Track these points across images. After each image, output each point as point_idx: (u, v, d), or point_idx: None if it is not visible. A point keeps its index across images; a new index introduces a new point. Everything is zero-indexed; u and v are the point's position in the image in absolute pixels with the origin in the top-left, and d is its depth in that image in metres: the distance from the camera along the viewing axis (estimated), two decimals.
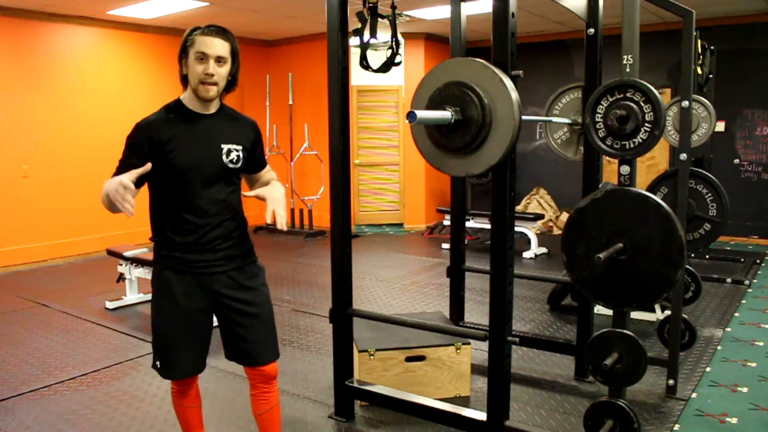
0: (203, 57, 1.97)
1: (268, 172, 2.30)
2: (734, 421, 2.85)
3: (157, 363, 2.14)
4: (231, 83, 2.10)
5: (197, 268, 2.06)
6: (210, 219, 2.05)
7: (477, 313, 4.40)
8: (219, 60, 1.98)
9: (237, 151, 2.09)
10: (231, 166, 2.07)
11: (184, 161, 1.99)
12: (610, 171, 5.53)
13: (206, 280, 2.08)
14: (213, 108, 2.09)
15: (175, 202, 2.04)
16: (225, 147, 2.06)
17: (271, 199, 1.99)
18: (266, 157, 2.33)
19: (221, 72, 2.00)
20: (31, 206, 6.42)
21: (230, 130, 2.11)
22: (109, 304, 4.79)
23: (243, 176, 2.23)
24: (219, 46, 1.98)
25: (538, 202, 8.20)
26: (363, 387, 2.86)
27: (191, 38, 1.99)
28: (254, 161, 2.21)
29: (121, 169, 1.98)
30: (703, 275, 4.35)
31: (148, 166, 1.93)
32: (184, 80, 2.06)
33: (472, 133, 2.10)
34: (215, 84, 2.00)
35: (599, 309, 3.88)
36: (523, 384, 3.31)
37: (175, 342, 2.11)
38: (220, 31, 2.00)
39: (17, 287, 5.51)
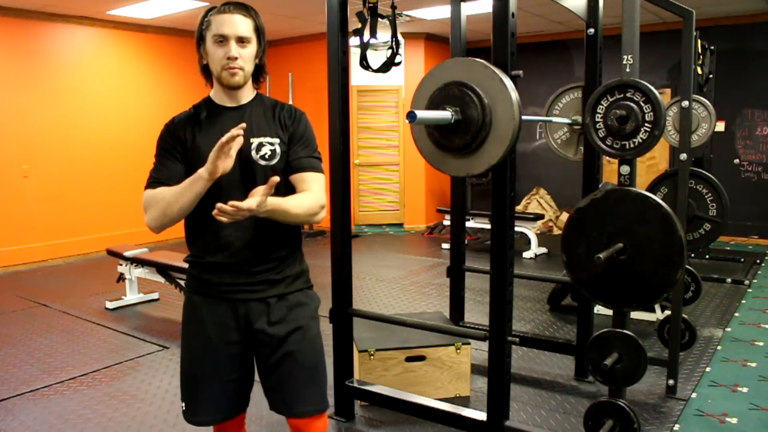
0: (223, 39, 1.67)
1: (310, 182, 1.75)
2: (734, 421, 2.85)
3: (183, 405, 1.81)
4: (259, 69, 1.78)
5: (229, 292, 1.74)
6: (243, 232, 1.69)
7: (477, 313, 4.40)
8: (241, 40, 1.68)
9: (271, 144, 1.72)
10: (263, 162, 1.70)
11: (204, 160, 1.64)
12: (610, 171, 5.53)
13: (240, 308, 1.74)
14: (245, 99, 1.77)
15: (202, 213, 1.66)
16: (255, 141, 1.71)
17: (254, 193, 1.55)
18: (314, 159, 1.79)
19: (245, 54, 1.69)
20: (31, 206, 6.42)
21: (263, 120, 1.75)
22: (109, 304, 4.79)
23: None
24: (240, 24, 1.67)
25: (538, 202, 8.20)
26: (363, 387, 2.86)
27: (207, 20, 1.70)
28: (289, 158, 1.76)
29: (151, 177, 1.71)
30: (703, 275, 4.35)
31: (240, 139, 1.58)
32: (206, 71, 1.76)
33: (472, 133, 2.09)
34: (241, 68, 1.69)
35: (599, 309, 3.88)
36: (523, 384, 3.31)
37: (199, 379, 1.77)
38: (240, 7, 1.70)
39: (17, 287, 5.51)
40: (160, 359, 3.73)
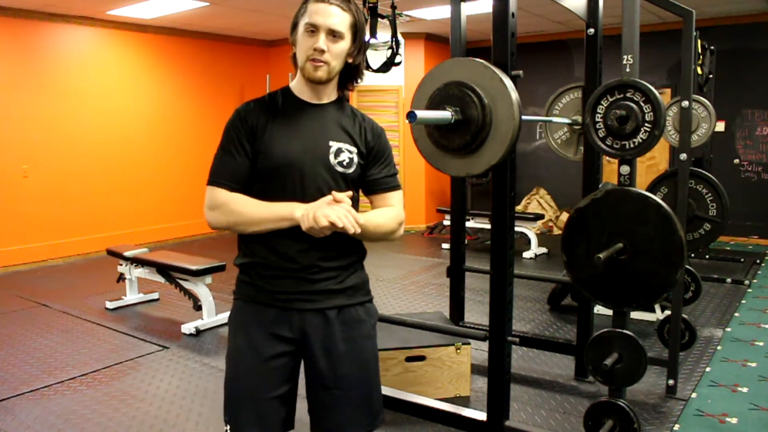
0: (314, 29, 1.56)
1: (392, 199, 1.72)
2: (734, 421, 2.85)
3: (227, 427, 1.65)
4: (351, 71, 1.67)
5: (284, 300, 1.59)
6: (312, 237, 1.54)
7: (477, 313, 4.39)
8: (333, 34, 1.56)
9: (350, 152, 1.62)
10: (340, 169, 1.60)
11: (281, 156, 1.56)
12: (610, 171, 5.52)
13: (295, 318, 1.60)
14: (326, 98, 1.66)
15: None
16: (334, 145, 1.61)
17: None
18: (395, 178, 1.75)
19: (335, 49, 1.57)
20: (31, 206, 6.42)
21: (344, 126, 1.65)
22: (109, 304, 4.79)
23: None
24: (335, 16, 1.56)
25: (538, 202, 8.20)
26: None
27: (305, 6, 1.60)
28: (369, 176, 1.68)
29: (220, 170, 1.59)
30: (703, 275, 4.35)
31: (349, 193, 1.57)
32: (295, 61, 1.65)
33: (472, 133, 2.09)
34: (326, 63, 1.57)
35: (599, 309, 3.88)
36: (523, 384, 3.31)
37: (240, 397, 1.62)
38: None
39: (17, 287, 5.51)
40: (160, 359, 3.73)
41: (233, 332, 1.67)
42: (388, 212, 1.69)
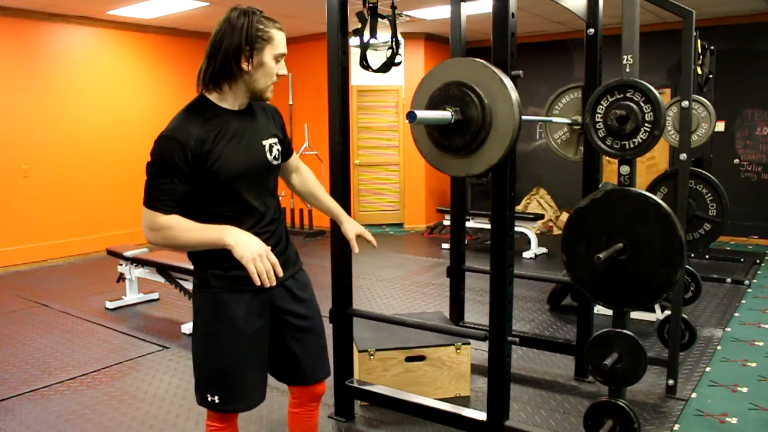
0: (281, 58, 1.78)
1: (297, 160, 2.11)
2: (734, 421, 2.85)
3: (215, 398, 1.81)
4: None
5: (253, 283, 1.70)
6: (269, 226, 1.82)
7: (477, 313, 4.40)
8: None
9: (277, 145, 1.87)
10: (275, 163, 1.85)
11: (232, 168, 1.70)
12: (610, 171, 5.53)
13: (264, 295, 1.83)
14: (245, 104, 1.83)
15: (231, 214, 1.74)
16: (266, 143, 1.82)
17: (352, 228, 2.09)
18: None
19: None
20: (31, 206, 6.42)
21: (263, 122, 1.86)
22: (109, 304, 4.79)
23: None
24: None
25: (538, 202, 8.20)
26: (363, 387, 2.86)
27: (268, 33, 1.72)
28: (285, 149, 1.98)
29: (158, 194, 1.64)
30: (703, 275, 4.35)
31: None
32: (230, 74, 1.71)
33: (472, 133, 2.09)
34: None
35: (599, 309, 3.88)
36: (523, 384, 3.32)
37: (240, 370, 1.82)
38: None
39: (17, 287, 5.51)
40: (160, 359, 3.73)
41: (211, 319, 1.80)
42: (310, 173, 2.15)
